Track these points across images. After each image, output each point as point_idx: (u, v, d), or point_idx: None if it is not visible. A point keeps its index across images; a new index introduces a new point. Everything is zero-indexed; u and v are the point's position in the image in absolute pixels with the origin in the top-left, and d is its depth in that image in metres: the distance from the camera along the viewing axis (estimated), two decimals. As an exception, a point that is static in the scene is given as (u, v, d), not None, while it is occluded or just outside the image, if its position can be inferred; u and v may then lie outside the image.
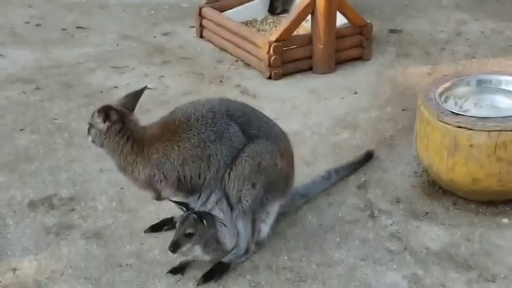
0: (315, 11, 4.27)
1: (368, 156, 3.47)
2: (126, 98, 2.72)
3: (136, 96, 2.72)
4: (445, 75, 3.51)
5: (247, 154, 2.64)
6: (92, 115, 2.66)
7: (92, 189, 3.21)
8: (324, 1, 4.23)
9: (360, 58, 4.56)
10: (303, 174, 3.22)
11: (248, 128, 2.67)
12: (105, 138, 2.64)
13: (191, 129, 2.60)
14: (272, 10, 4.83)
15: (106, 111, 2.62)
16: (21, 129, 3.71)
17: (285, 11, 4.84)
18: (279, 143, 2.75)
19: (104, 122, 2.62)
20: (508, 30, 4.97)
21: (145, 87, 2.79)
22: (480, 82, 3.32)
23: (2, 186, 3.22)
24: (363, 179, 3.31)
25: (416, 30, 5.04)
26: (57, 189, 3.20)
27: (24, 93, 4.12)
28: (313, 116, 3.91)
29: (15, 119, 3.81)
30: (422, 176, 3.32)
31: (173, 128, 2.62)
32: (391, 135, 3.69)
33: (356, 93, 4.17)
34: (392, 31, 5.03)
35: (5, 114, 3.86)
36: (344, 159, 3.43)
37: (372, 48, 4.61)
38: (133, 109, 2.70)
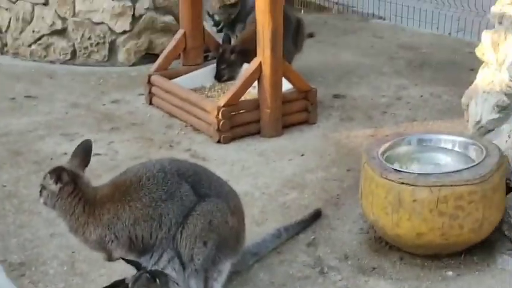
0: (262, 77, 4.42)
1: (316, 215, 3.55)
2: (77, 158, 2.76)
3: (86, 154, 2.77)
4: (387, 135, 3.66)
5: (198, 212, 2.69)
6: (44, 177, 2.70)
7: (42, 254, 3.20)
8: (270, 67, 4.38)
9: (306, 122, 4.70)
10: (254, 233, 3.28)
11: (199, 187, 2.74)
12: (57, 200, 2.67)
13: (142, 189, 2.66)
14: (219, 77, 4.96)
15: (57, 173, 2.65)
16: (-30, 197, 3.70)
17: (231, 78, 4.97)
18: (229, 201, 2.81)
19: (56, 183, 2.66)
20: (445, 94, 5.20)
21: (89, 140, 2.84)
22: (420, 141, 3.48)
23: (-51, 253, 3.19)
24: (312, 237, 3.39)
25: (359, 95, 5.23)
26: (7, 255, 3.18)
27: (-28, 162, 4.12)
28: (262, 177, 4.00)
29: (-37, 187, 3.80)
30: (368, 232, 3.42)
31: (124, 189, 2.67)
32: (337, 195, 3.80)
33: (302, 155, 4.29)
34: (335, 96, 5.20)
35: (-48, 183, 3.85)
36: (293, 218, 3.51)
37: (317, 113, 4.75)
38: (87, 164, 2.75)
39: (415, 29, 7.02)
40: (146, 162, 2.83)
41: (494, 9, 3.62)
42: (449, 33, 6.80)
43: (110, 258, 2.73)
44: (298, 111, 4.67)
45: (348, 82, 5.50)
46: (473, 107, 3.71)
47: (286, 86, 4.60)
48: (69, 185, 2.66)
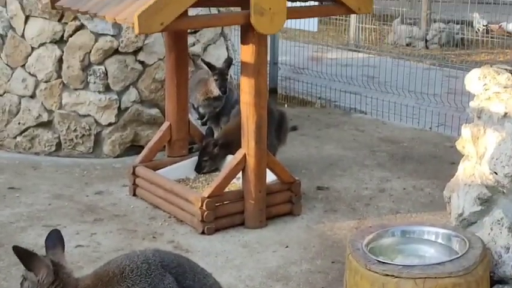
0: (246, 168, 4.45)
1: (301, 308, 3.51)
2: (53, 247, 2.74)
3: (58, 239, 2.76)
4: (370, 227, 3.67)
5: (181, 304, 2.65)
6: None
7: None
8: (254, 159, 4.42)
9: (290, 213, 4.71)
10: (237, 327, 3.24)
11: (183, 278, 2.71)
12: (38, 291, 2.63)
13: (125, 281, 2.63)
14: (199, 169, 5.00)
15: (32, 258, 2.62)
16: None
17: (213, 170, 5.01)
18: (212, 294, 2.78)
19: (37, 274, 2.62)
20: (427, 187, 5.25)
21: (57, 229, 2.83)
22: (404, 233, 3.49)
23: None
24: (296, 331, 3.34)
25: (342, 187, 5.27)
26: None
27: (-48, 252, 4.05)
28: (246, 269, 3.96)
29: None
30: (354, 326, 3.37)
31: (107, 280, 2.64)
32: (322, 287, 3.77)
33: (287, 246, 4.27)
34: (319, 188, 5.24)
35: None
36: (277, 311, 3.47)
37: (301, 204, 4.77)
38: (63, 250, 2.73)
39: (396, 123, 7.16)
40: (130, 253, 2.81)
41: (473, 104, 3.71)
42: (430, 128, 6.93)
43: None
44: (282, 202, 4.69)
45: (332, 174, 5.56)
46: (455, 200, 3.74)
47: (270, 177, 4.64)
48: (50, 275, 2.62)
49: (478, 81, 3.72)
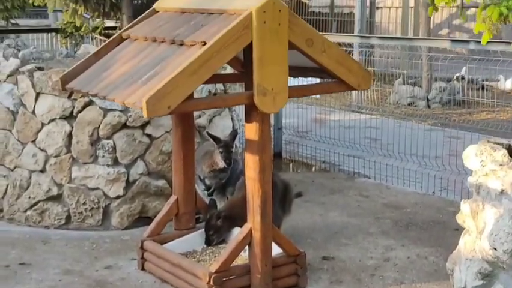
0: (252, 243, 4.54)
1: None
2: None
3: None
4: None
5: None
6: None
7: None
8: (260, 233, 4.51)
9: (296, 286, 4.78)
10: None
11: None
12: None
13: None
14: (208, 243, 5.09)
15: None
16: None
17: (221, 242, 5.09)
18: None
19: None
20: (432, 255, 5.32)
21: None
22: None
23: None
24: None
25: (347, 257, 5.34)
26: None
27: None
28: None
29: None
30: None
31: None
32: None
33: (294, 321, 4.34)
34: (324, 258, 5.31)
35: None
36: None
37: (307, 276, 4.84)
38: None
39: (400, 187, 7.26)
40: None
41: (471, 179, 3.83)
42: (433, 192, 7.03)
43: None
44: (288, 275, 4.76)
45: (337, 243, 5.63)
46: (457, 273, 3.83)
47: (276, 250, 4.73)
48: None
49: (475, 158, 3.84)
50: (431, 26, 13.52)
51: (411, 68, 13.34)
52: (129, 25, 5.07)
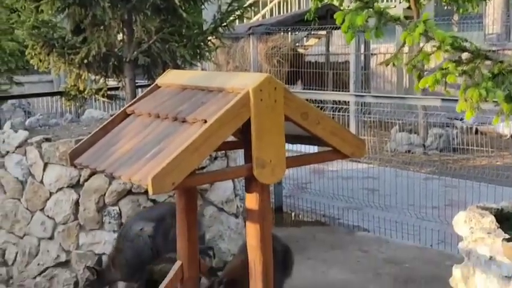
0: (255, 309, 4.71)
1: None
2: None
3: None
4: None
5: None
6: None
7: None
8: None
9: None
10: None
11: None
12: None
13: None
14: None
15: None
16: None
17: None
18: None
19: None
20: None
21: None
22: None
23: None
24: None
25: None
26: None
27: None
28: None
29: None
30: None
31: None
32: None
33: None
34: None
35: None
36: None
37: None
38: None
39: (398, 241, 7.44)
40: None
41: (461, 245, 4.03)
42: (431, 245, 7.21)
43: None
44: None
45: (337, 303, 5.81)
46: (454, 335, 4.00)
47: (278, 314, 4.90)
48: None
49: (464, 225, 4.05)
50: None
51: (407, 115, 13.64)
52: (133, 101, 5.31)
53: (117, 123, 5.23)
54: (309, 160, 5.16)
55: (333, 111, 9.96)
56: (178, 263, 5.46)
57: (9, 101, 14.08)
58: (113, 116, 5.33)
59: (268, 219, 4.75)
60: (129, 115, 5.21)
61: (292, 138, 4.90)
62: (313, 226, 8.40)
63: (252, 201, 4.70)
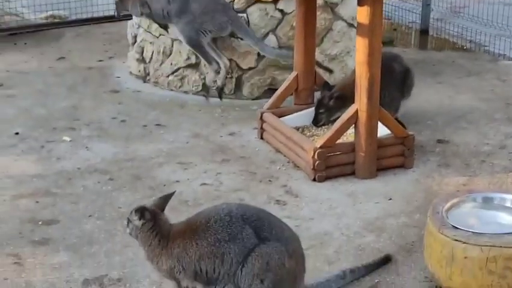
0: (358, 123, 4.74)
1: (385, 260, 3.83)
2: (159, 200, 3.29)
3: (167, 198, 3.29)
4: (458, 191, 3.87)
5: (257, 254, 3.09)
6: (131, 213, 3.23)
7: (138, 272, 3.74)
8: (366, 114, 4.69)
9: (402, 166, 4.95)
10: (323, 272, 3.66)
11: (261, 231, 3.14)
12: (139, 233, 3.21)
13: (209, 230, 3.11)
14: (316, 121, 5.31)
15: (141, 211, 3.19)
16: (90, 216, 4.33)
17: (328, 122, 5.30)
18: (288, 246, 3.18)
19: (140, 219, 3.19)
20: (553, 148, 5.23)
21: (174, 192, 3.37)
22: (486, 199, 3.67)
23: (63, 265, 3.82)
24: (376, 280, 3.68)
25: (462, 141, 5.38)
26: (109, 271, 3.76)
27: (98, 183, 4.78)
28: (345, 218, 4.32)
29: (86, 206, 4.45)
30: (431, 281, 3.65)
31: (194, 228, 3.14)
32: (413, 241, 4.04)
33: (390, 199, 4.56)
34: (439, 141, 5.39)
35: (79, 201, 4.52)
36: (364, 260, 3.81)
37: (414, 158, 4.98)
38: (163, 209, 3.26)
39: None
40: (217, 205, 3.28)
41: None
42: None
43: (179, 286, 3.21)
44: (394, 155, 4.93)
45: (456, 127, 5.66)
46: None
47: (385, 131, 4.89)
48: (149, 221, 3.18)
49: None
50: None
51: None
52: None
53: None
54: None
55: None
56: (293, 74, 5.54)
57: None
58: None
59: (378, 35, 4.64)
60: None
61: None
62: (456, 51, 8.01)
63: (362, 14, 4.58)
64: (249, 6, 6.21)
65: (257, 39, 6.08)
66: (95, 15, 8.88)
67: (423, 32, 8.60)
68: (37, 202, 4.51)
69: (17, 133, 5.61)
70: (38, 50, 7.72)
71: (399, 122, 5.23)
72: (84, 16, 8.85)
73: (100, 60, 7.52)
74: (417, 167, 4.99)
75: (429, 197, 4.53)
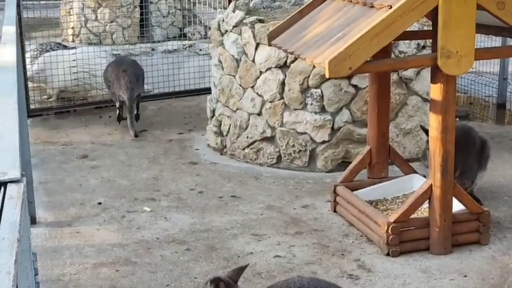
0: (432, 198, 4.75)
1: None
2: (234, 271, 3.38)
3: (241, 270, 3.38)
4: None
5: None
6: (206, 283, 3.33)
7: None
8: (440, 189, 4.70)
9: (477, 242, 4.91)
10: None
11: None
12: (213, 302, 3.30)
13: (280, 302, 3.19)
14: None
15: (216, 282, 3.28)
16: (167, 285, 4.46)
17: None
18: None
19: (216, 291, 3.29)
20: None
21: (248, 265, 3.46)
22: None
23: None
24: None
25: (541, 217, 5.30)
26: None
27: (176, 252, 4.92)
28: (419, 294, 4.31)
29: (163, 276, 4.59)
30: None
31: (267, 299, 3.23)
32: (488, 320, 3.99)
33: (465, 276, 4.51)
34: (516, 219, 5.33)
35: (157, 271, 4.66)
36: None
37: (489, 234, 4.94)
38: (237, 280, 3.36)
39: None
40: (289, 279, 3.36)
41: None
42: None
43: None
44: (469, 231, 4.90)
45: (534, 203, 5.58)
46: None
47: (459, 207, 4.88)
48: (224, 289, 3.29)
49: None
50: None
51: None
52: (332, -15, 5.38)
53: (315, 7, 5.37)
54: (502, 53, 4.92)
55: None
56: (366, 148, 5.62)
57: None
58: (312, 0, 5.47)
59: (452, 112, 4.69)
60: (327, -1, 5.32)
61: (486, 29, 4.68)
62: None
63: (436, 92, 4.66)
64: (323, 82, 6.38)
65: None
66: (176, 89, 9.26)
67: (500, 106, 8.54)
68: (117, 271, 4.68)
69: (99, 203, 5.86)
70: (122, 123, 8.06)
71: (474, 197, 5.22)
72: (166, 90, 9.24)
73: (180, 133, 7.81)
74: (493, 243, 4.93)
75: (505, 275, 4.48)
